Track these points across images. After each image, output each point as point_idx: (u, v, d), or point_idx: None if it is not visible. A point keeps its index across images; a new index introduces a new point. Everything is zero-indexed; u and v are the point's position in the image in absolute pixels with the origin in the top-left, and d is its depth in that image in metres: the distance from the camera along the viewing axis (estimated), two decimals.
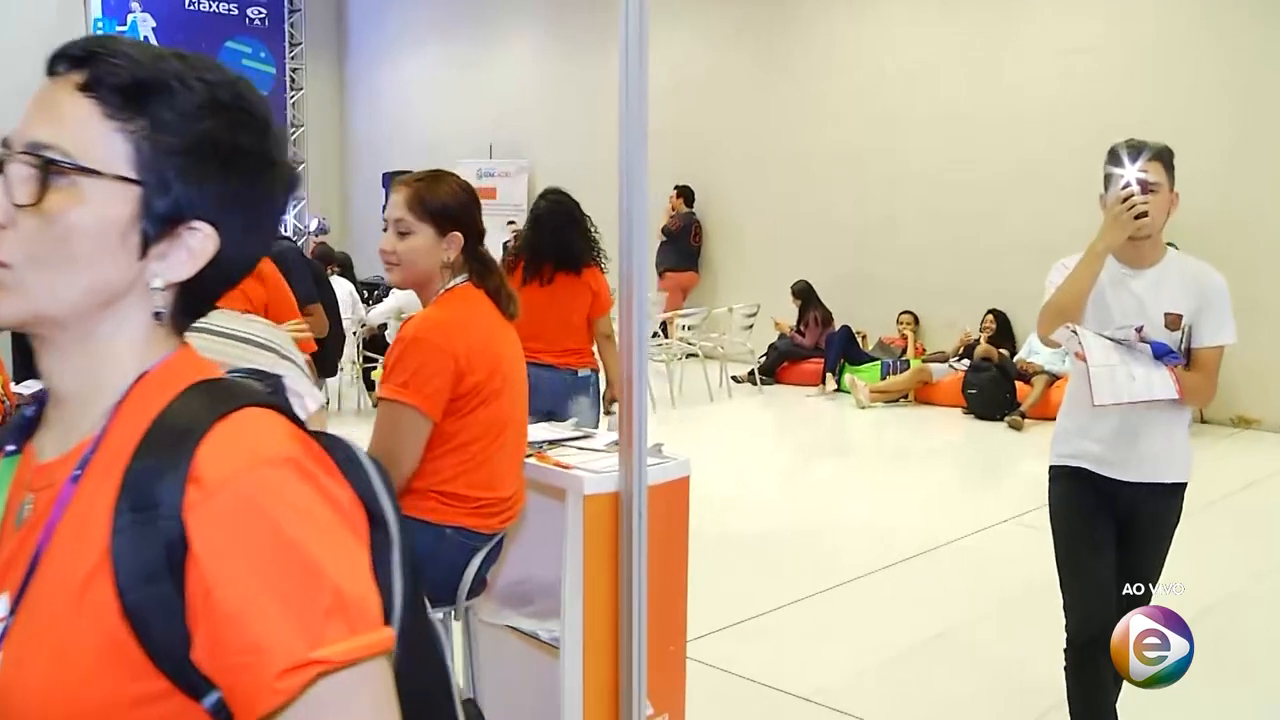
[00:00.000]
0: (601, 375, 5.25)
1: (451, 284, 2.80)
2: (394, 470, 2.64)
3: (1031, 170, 9.86)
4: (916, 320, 10.61)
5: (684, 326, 10.28)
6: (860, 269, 11.11)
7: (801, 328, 10.96)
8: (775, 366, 10.90)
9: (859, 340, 10.58)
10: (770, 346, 11.03)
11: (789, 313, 11.12)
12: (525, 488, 2.96)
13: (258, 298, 3.75)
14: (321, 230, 16.94)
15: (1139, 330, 2.86)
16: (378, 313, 9.30)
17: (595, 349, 5.23)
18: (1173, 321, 2.90)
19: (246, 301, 3.30)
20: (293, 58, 16.81)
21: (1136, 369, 2.75)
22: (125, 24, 15.03)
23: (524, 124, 14.50)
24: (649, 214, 2.79)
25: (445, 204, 2.75)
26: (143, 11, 15.18)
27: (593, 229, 5.47)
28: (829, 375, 10.24)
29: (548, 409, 4.83)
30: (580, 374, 5.11)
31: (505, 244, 9.76)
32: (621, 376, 2.69)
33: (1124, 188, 2.86)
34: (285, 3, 16.61)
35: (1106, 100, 9.25)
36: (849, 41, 11.23)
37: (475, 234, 2.82)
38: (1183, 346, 2.90)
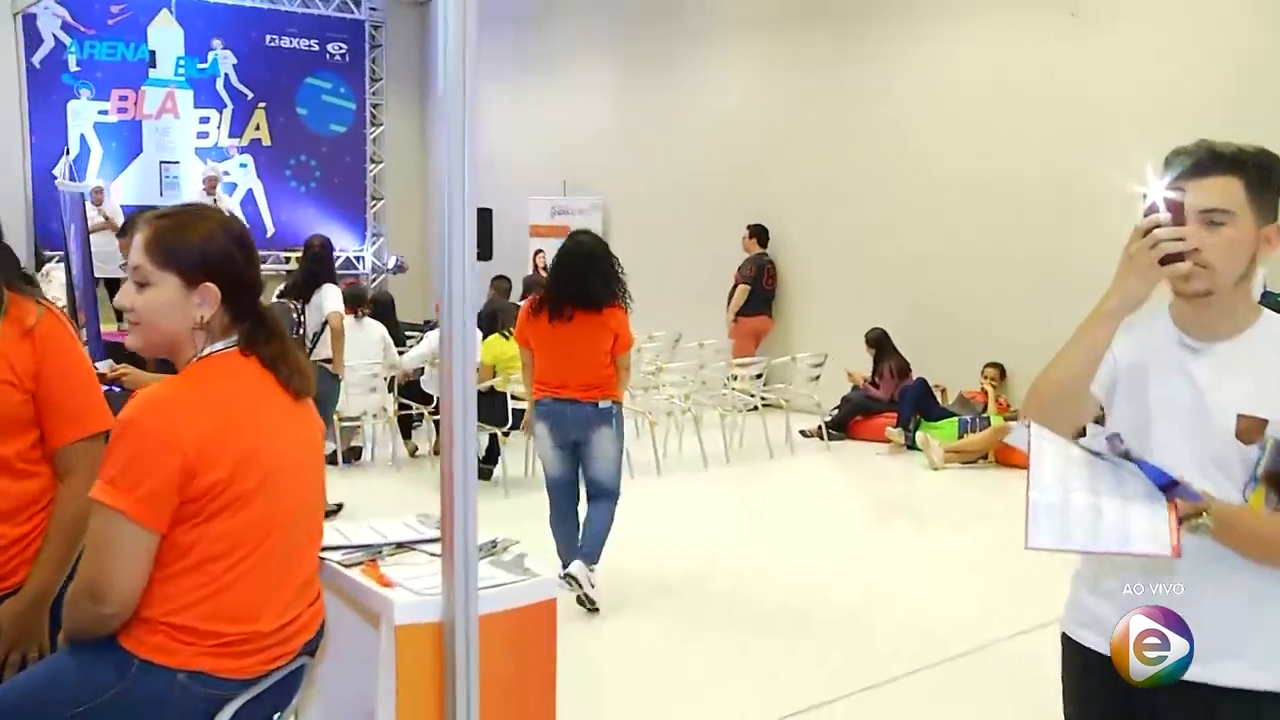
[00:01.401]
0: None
1: (208, 351, 2.12)
2: (106, 594, 1.97)
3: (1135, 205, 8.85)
4: (1002, 373, 9.63)
5: (740, 377, 9.47)
6: (942, 316, 10.18)
7: (876, 379, 10.07)
8: (847, 420, 10.03)
9: (937, 394, 9.65)
10: (843, 399, 10.17)
11: (865, 362, 10.24)
12: (321, 612, 2.25)
13: (23, 365, 2.40)
14: (399, 269, 16.64)
15: (1113, 440, 1.83)
16: (411, 357, 8.71)
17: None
18: (1248, 429, 1.87)
19: (8, 370, 2.40)
20: (374, 93, 16.55)
21: (1110, 501, 1.75)
22: (206, 61, 14.95)
23: (597, 159, 13.93)
24: (470, 248, 2.10)
25: (195, 248, 2.08)
26: (224, 49, 15.05)
27: (618, 269, 5.67)
28: (900, 431, 9.33)
29: (574, 439, 5.52)
30: (601, 406, 5.52)
31: (526, 279, 9.38)
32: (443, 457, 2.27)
33: (1146, 214, 1.95)
34: (367, 38, 16.39)
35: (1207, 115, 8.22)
36: (920, 66, 10.37)
37: (242, 287, 2.14)
38: (1261, 470, 1.87)
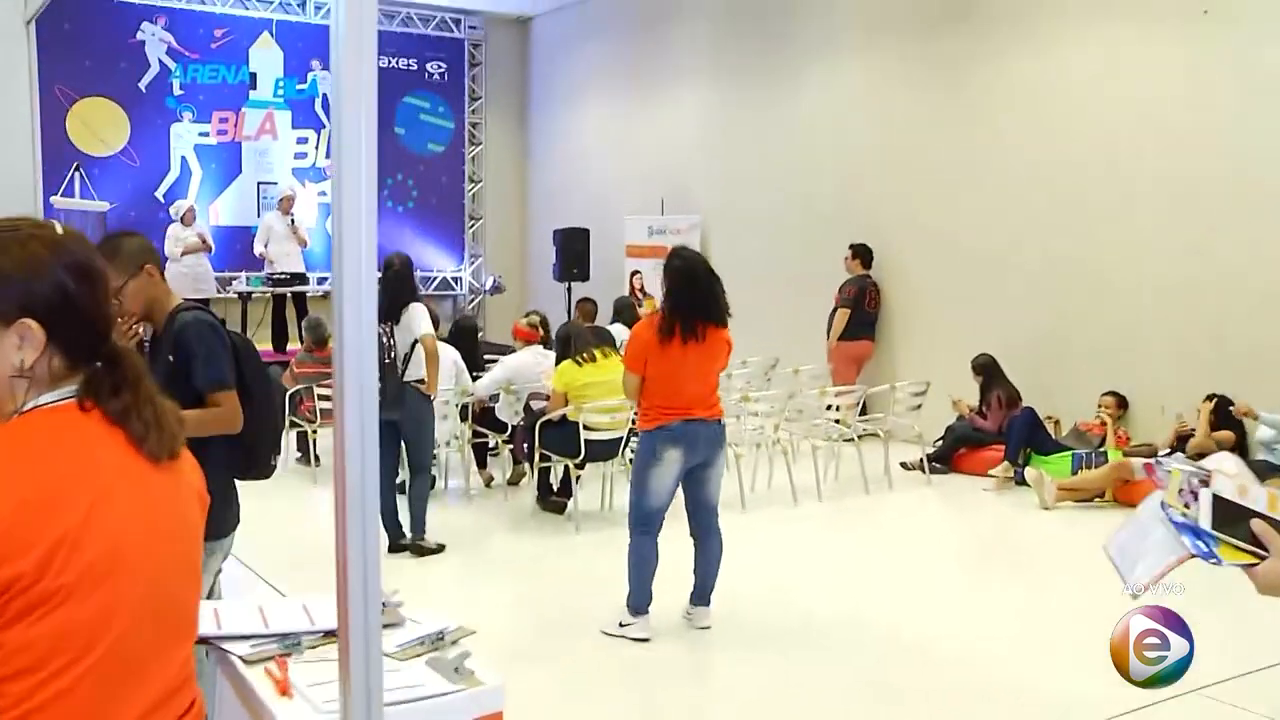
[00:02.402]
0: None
1: (33, 404, 1.68)
2: None
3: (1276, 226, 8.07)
4: (1122, 403, 8.85)
5: (839, 406, 8.88)
6: (1055, 341, 9.45)
7: (983, 408, 9.37)
8: (951, 452, 9.35)
9: (1048, 426, 8.93)
10: (947, 429, 9.50)
11: (971, 390, 9.55)
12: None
13: None
14: (496, 289, 16.40)
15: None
16: (484, 384, 8.34)
17: None
18: None
19: None
20: (472, 112, 16.37)
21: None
22: (305, 82, 14.91)
23: (696, 177, 13.47)
24: (372, 246, 1.62)
25: (10, 276, 1.65)
26: (323, 69, 15.01)
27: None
28: (1007, 465, 8.64)
29: (701, 461, 5.38)
30: (722, 423, 5.53)
31: (618, 301, 8.95)
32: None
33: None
34: (466, 57, 16.22)
35: None
36: (1038, 77, 9.64)
37: (80, 323, 1.70)
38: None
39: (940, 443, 9.44)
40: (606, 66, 15.00)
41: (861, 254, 10.82)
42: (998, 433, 9.10)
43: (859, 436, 8.91)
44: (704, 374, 5.40)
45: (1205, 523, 1.74)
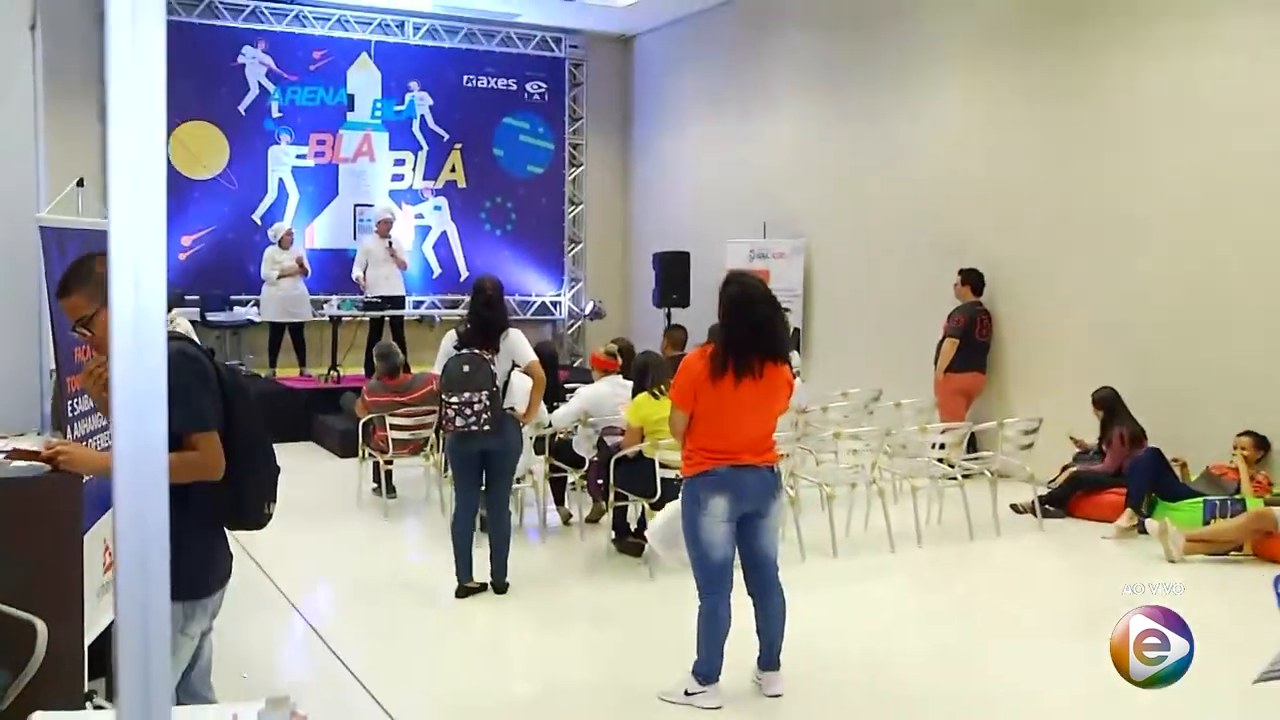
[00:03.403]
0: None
1: None
2: None
3: None
4: (1261, 444, 8.00)
5: (945, 444, 8.21)
6: (1185, 375, 8.65)
7: (1103, 446, 8.60)
8: (1067, 495, 8.60)
9: (1176, 469, 8.13)
10: (1063, 469, 8.76)
11: (1091, 427, 8.79)
12: None
13: None
14: (596, 314, 16.01)
15: None
16: (560, 416, 7.91)
17: None
18: None
19: None
20: (573, 133, 16.05)
21: None
22: (403, 103, 14.77)
23: (799, 199, 12.92)
24: (160, 240, 1.13)
25: None
26: (421, 90, 14.85)
27: None
28: (1130, 513, 7.88)
29: (750, 511, 4.79)
30: (776, 470, 4.96)
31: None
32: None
33: None
34: (567, 76, 15.91)
35: None
36: (1166, 84, 8.87)
37: None
38: None
39: (1055, 484, 8.70)
40: (709, 85, 14.55)
41: (972, 280, 10.12)
42: (1116, 474, 8.32)
43: (965, 476, 8.23)
44: (760, 417, 4.84)
45: None
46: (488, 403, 6.28)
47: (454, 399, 6.29)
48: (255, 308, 13.17)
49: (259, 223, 13.83)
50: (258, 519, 3.47)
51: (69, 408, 3.93)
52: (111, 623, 3.33)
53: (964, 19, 10.75)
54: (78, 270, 3.25)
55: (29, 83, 3.94)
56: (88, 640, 4.03)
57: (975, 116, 10.64)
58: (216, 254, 13.71)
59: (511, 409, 6.58)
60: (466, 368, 6.34)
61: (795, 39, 13.03)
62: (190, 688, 3.42)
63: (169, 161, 13.28)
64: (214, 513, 3.33)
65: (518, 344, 6.58)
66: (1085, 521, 8.37)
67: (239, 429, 3.36)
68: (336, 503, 8.94)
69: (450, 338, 6.59)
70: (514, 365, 6.63)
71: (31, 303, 3.92)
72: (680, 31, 15.08)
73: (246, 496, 3.40)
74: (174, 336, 3.34)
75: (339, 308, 12.65)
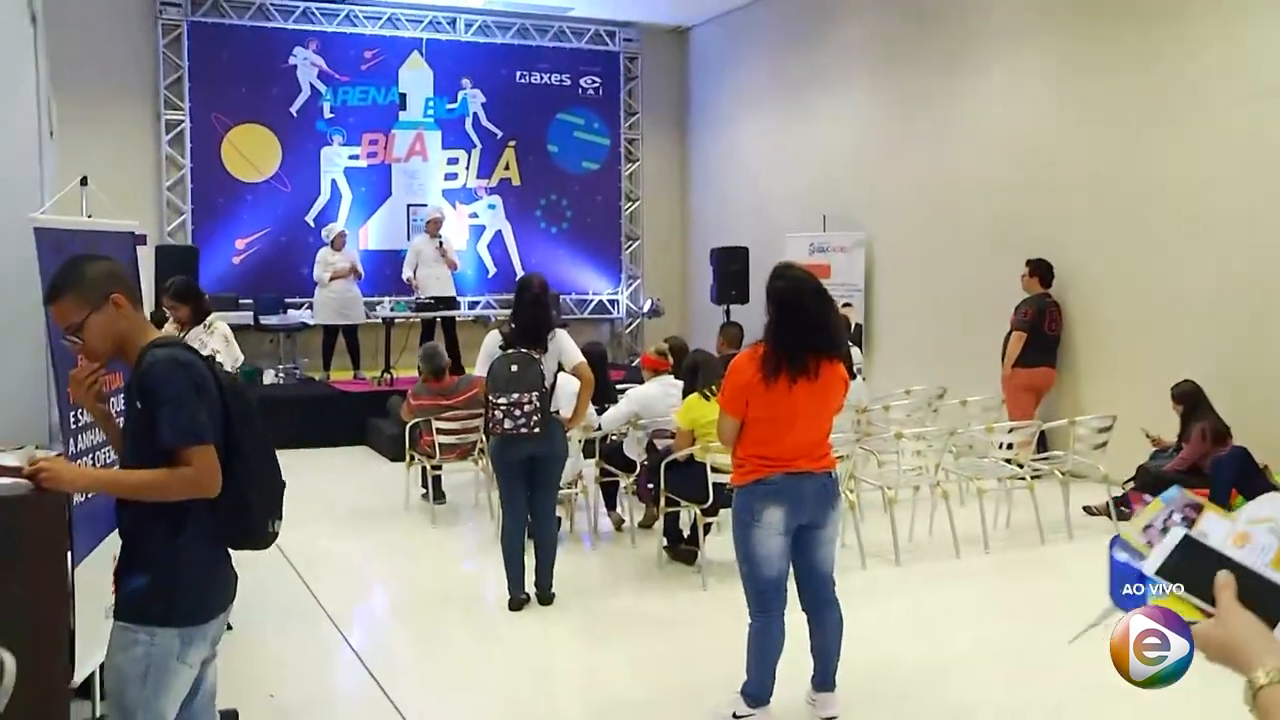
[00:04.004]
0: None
1: None
2: None
3: None
4: None
5: (1013, 444, 7.82)
6: (1275, 371, 8.16)
7: (1182, 443, 8.13)
8: (1145, 495, 8.14)
9: (1263, 470, 7.64)
10: (1139, 469, 8.31)
11: (1169, 425, 8.32)
12: None
13: None
14: (654, 312, 15.71)
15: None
16: (610, 418, 7.65)
17: None
18: None
19: None
20: (629, 128, 15.77)
21: None
22: (456, 100, 14.60)
23: (859, 191, 12.53)
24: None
25: None
26: (473, 87, 14.67)
27: None
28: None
29: (807, 521, 4.48)
30: (834, 476, 4.65)
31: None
32: None
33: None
34: (622, 71, 15.64)
35: None
36: (1250, 56, 8.37)
37: None
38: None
39: (1131, 484, 8.25)
40: (766, 76, 14.20)
41: (1040, 271, 9.68)
42: (1192, 471, 7.83)
43: (1034, 477, 7.83)
44: (816, 418, 4.49)
45: (1152, 565, 1.54)
46: (538, 404, 6.02)
47: (502, 399, 6.02)
48: (309, 310, 13.05)
49: (312, 225, 13.72)
50: (263, 537, 3.22)
51: (71, 419, 3.73)
52: None
53: (1031, 2, 10.32)
54: (67, 273, 3.03)
55: (31, 73, 3.76)
56: (90, 669, 3.84)
57: (1040, 99, 10.19)
58: (270, 257, 13.63)
59: (556, 412, 6.32)
60: (515, 367, 6.07)
61: (853, 26, 12.65)
62: (192, 719, 3.19)
63: (221, 165, 13.34)
64: (214, 532, 3.09)
65: (565, 344, 6.31)
66: None
67: (240, 441, 3.12)
68: (384, 508, 8.76)
69: (494, 337, 6.33)
70: (559, 367, 6.36)
71: (39, 306, 3.73)
72: (736, 21, 14.74)
73: (250, 513, 3.15)
74: (165, 343, 3.12)
75: (391, 309, 12.49)
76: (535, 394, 5.98)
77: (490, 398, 6.03)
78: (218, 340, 6.89)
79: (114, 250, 3.91)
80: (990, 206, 10.65)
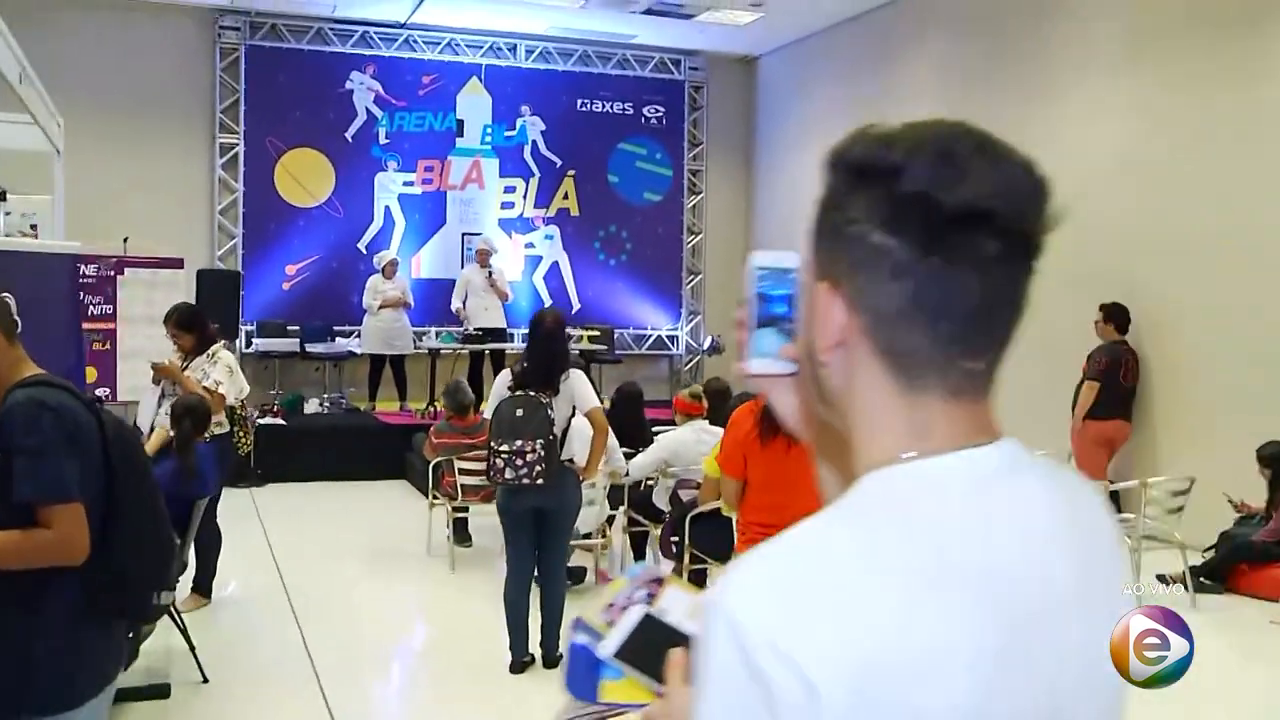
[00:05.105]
0: None
1: None
2: None
3: None
4: None
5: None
6: None
7: (1272, 512, 7.41)
8: (1228, 566, 7.43)
9: None
10: (1221, 535, 7.59)
11: (1256, 490, 7.59)
12: None
13: None
14: (714, 349, 15.19)
15: None
16: (639, 464, 7.15)
17: None
18: None
19: None
20: (693, 159, 15.31)
21: None
22: (514, 128, 14.28)
23: None
24: None
25: None
26: (533, 115, 14.33)
27: None
28: None
29: None
30: None
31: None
32: None
33: None
34: (686, 100, 15.21)
35: None
36: None
37: None
38: None
39: (1212, 553, 7.53)
40: (835, 106, 13.65)
41: (1115, 316, 8.99)
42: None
43: None
44: (810, 478, 3.87)
45: (609, 648, 1.30)
46: (542, 452, 5.53)
47: (503, 447, 5.55)
48: (357, 339, 12.76)
49: (364, 251, 13.46)
50: (142, 611, 2.78)
51: None
52: None
53: (1107, 23, 9.68)
54: None
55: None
56: None
57: (1118, 131, 9.53)
58: (320, 283, 13.38)
59: (570, 460, 5.83)
60: (520, 411, 5.60)
61: (925, 54, 12.08)
62: None
63: (274, 189, 13.14)
64: (91, 602, 2.65)
65: (579, 386, 5.80)
66: (1251, 599, 7.19)
67: (121, 499, 2.68)
68: (406, 550, 8.34)
69: (505, 377, 5.87)
70: (574, 411, 5.87)
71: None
72: (805, 51, 14.24)
73: (128, 585, 2.71)
74: (35, 381, 2.68)
75: (438, 339, 12.13)
76: (540, 441, 5.49)
77: (492, 444, 5.57)
78: (220, 371, 6.54)
79: (54, 271, 3.48)
80: (1059, 245, 9.81)
